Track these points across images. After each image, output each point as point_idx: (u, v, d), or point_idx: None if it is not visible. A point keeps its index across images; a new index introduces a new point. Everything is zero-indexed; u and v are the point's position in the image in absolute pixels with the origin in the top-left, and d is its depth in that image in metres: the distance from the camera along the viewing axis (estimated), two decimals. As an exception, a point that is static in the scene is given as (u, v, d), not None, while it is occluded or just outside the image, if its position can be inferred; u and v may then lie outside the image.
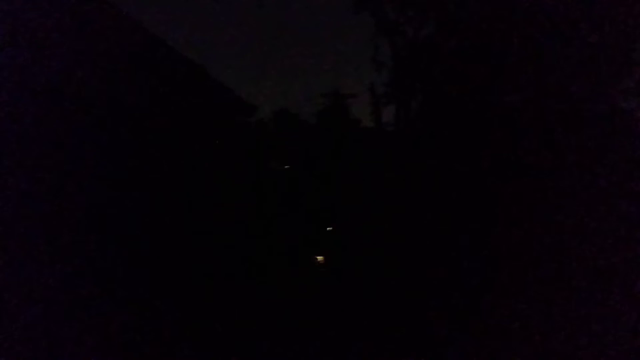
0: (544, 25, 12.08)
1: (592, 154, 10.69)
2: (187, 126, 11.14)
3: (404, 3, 15.40)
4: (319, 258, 14.54)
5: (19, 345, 6.79)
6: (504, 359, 7.20)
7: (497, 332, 7.67)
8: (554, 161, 10.77)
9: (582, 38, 12.00)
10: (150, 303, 8.75)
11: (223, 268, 11.18)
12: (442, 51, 14.49)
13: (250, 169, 14.39)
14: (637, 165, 10.43)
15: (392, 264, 11.81)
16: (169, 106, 10.54)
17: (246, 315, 9.49)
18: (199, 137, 11.56)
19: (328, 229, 15.68)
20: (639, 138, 11.18)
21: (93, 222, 8.46)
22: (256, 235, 12.97)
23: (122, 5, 9.98)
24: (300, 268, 13.51)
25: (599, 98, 12.03)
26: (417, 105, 15.86)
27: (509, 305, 8.39)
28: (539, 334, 7.54)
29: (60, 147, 8.04)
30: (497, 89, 12.86)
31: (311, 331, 9.06)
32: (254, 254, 12.36)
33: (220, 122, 12.56)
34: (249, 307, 9.94)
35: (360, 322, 9.17)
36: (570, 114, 11.44)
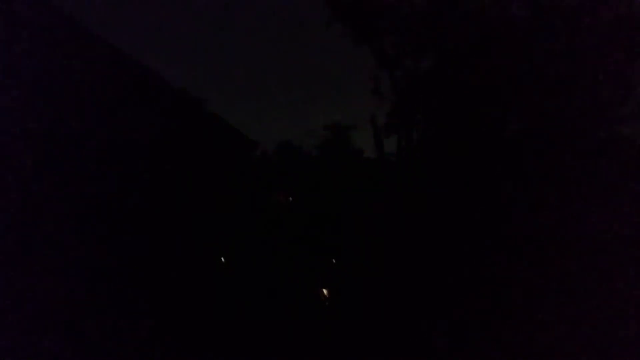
0: (542, 54, 12.23)
1: (592, 179, 10.71)
2: (189, 162, 11.25)
3: (403, 36, 15.62)
4: (324, 291, 14.46)
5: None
6: None
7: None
8: (555, 189, 10.79)
9: (580, 65, 12.13)
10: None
11: (227, 301, 11.15)
12: (442, 82, 14.63)
13: (254, 202, 14.46)
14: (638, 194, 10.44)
15: (396, 295, 11.75)
16: (170, 143, 10.67)
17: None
18: (202, 173, 11.66)
19: (332, 261, 15.62)
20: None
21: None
22: (260, 268, 12.95)
23: (121, 43, 10.18)
24: (304, 301, 13.43)
25: (598, 124, 12.10)
26: (418, 135, 15.95)
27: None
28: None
29: (61, 185, 8.10)
30: (498, 118, 12.96)
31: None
32: (257, 286, 12.33)
33: (223, 158, 12.68)
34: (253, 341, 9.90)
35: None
36: (570, 142, 11.50)
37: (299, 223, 16.97)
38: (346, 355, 9.38)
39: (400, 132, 16.61)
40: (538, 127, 12.20)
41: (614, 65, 12.19)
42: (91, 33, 9.13)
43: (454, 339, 8.33)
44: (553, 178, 11.28)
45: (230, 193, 12.87)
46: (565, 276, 9.36)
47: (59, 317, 7.52)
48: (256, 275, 12.85)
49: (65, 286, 7.81)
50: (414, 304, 11.03)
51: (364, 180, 16.67)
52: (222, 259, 12.57)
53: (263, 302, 11.99)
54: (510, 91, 12.51)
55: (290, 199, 18.81)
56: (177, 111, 11.13)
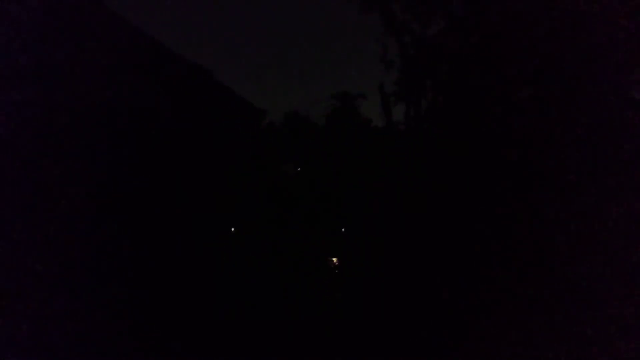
0: (553, 19, 11.96)
1: (603, 146, 10.57)
2: (197, 132, 11.22)
3: (412, 1, 15.35)
4: (333, 260, 14.55)
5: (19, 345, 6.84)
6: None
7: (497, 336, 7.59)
8: (564, 155, 10.66)
9: (591, 30, 11.86)
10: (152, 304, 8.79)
11: (237, 271, 11.24)
12: (451, 48, 14.41)
13: (262, 172, 14.46)
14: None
15: (404, 264, 11.79)
16: (176, 114, 10.62)
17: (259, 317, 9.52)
18: (210, 142, 11.63)
19: (341, 230, 15.68)
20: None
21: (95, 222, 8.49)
22: (270, 238, 13.03)
23: (125, 11, 10.05)
24: (314, 270, 13.53)
25: (609, 89, 11.88)
26: (427, 103, 15.79)
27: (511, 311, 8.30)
28: (539, 338, 7.46)
29: (60, 153, 8.08)
30: (507, 84, 12.77)
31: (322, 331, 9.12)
32: (268, 257, 12.41)
33: (230, 128, 12.63)
34: (262, 310, 9.99)
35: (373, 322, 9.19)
36: (580, 106, 11.32)
37: (307, 193, 16.99)
38: (358, 326, 9.44)
39: (408, 100, 16.47)
40: (549, 92, 12.02)
41: (628, 28, 11.91)
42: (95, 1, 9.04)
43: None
44: (564, 143, 11.15)
45: (238, 163, 12.86)
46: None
47: (54, 305, 7.53)
48: (266, 244, 12.92)
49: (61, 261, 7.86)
50: (422, 280, 11.05)
51: (372, 149, 16.61)
52: (232, 228, 12.64)
53: (273, 271, 12.09)
54: (520, 55, 12.29)
55: (298, 168, 18.81)
56: (183, 81, 11.05)
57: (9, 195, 7.41)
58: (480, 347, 7.23)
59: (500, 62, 12.27)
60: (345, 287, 12.52)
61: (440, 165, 13.21)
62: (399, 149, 15.67)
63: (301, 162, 18.64)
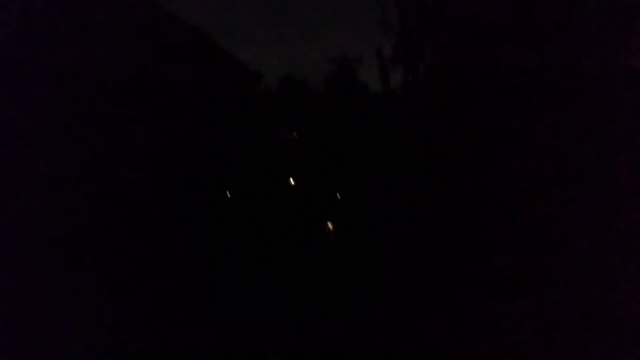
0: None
1: (601, 113, 10.48)
2: (190, 95, 11.04)
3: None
4: (329, 225, 14.55)
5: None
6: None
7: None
8: (563, 124, 10.58)
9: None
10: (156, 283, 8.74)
11: (233, 237, 11.23)
12: (451, 12, 14.13)
13: (257, 137, 14.32)
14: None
15: (400, 231, 11.79)
16: (172, 75, 10.43)
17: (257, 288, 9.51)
18: (204, 106, 11.47)
19: (337, 195, 15.64)
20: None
21: (96, 199, 8.44)
22: (265, 203, 12.98)
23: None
24: (309, 235, 13.53)
25: (607, 56, 11.71)
26: (425, 68, 15.60)
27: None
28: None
29: (61, 120, 7.99)
30: (507, 49, 12.56)
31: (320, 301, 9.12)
32: (263, 222, 12.38)
33: (225, 91, 12.44)
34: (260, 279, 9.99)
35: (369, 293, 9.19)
36: (580, 72, 11.19)
37: (304, 158, 16.89)
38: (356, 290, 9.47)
39: (406, 65, 16.27)
40: (548, 58, 11.85)
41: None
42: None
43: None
44: (562, 110, 11.05)
45: (234, 128, 12.71)
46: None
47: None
48: (261, 209, 12.88)
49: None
50: (418, 249, 11.04)
51: (369, 114, 16.46)
52: (227, 193, 12.58)
53: (268, 233, 12.08)
54: (521, 21, 12.07)
55: (295, 134, 18.67)
56: (175, 42, 10.81)
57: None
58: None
59: (501, 25, 12.05)
60: (341, 252, 12.54)
61: (437, 131, 13.11)
62: (397, 114, 15.54)
63: (297, 127, 18.48)
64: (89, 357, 6.64)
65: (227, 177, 12.36)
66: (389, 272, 9.84)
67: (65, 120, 8.19)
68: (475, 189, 11.20)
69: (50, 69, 7.89)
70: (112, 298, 7.83)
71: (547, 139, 10.69)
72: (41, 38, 7.89)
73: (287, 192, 15.20)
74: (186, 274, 9.00)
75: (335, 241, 13.76)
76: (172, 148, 10.41)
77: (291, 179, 16.05)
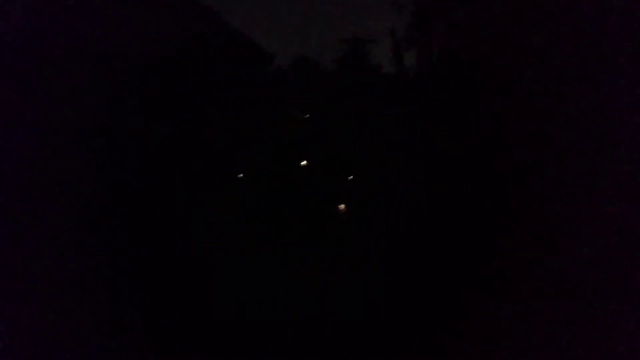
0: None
1: (611, 101, 10.30)
2: (203, 76, 11.02)
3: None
4: (341, 206, 14.56)
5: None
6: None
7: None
8: (577, 107, 10.42)
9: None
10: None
11: (243, 218, 11.27)
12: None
13: (269, 118, 14.29)
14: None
15: (411, 213, 11.77)
16: (184, 55, 10.40)
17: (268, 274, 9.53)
18: (216, 86, 11.45)
19: (349, 177, 15.62)
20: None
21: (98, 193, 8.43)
22: (275, 185, 13.00)
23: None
24: (322, 217, 13.56)
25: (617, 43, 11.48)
26: (438, 48, 15.40)
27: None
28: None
29: (65, 95, 7.96)
30: (523, 29, 12.36)
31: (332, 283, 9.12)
32: (274, 204, 12.41)
33: (238, 72, 12.40)
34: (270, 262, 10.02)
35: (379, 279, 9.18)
36: (596, 54, 10.98)
37: (315, 139, 16.85)
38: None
39: (420, 46, 16.08)
40: (562, 39, 11.65)
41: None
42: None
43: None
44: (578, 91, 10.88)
45: (246, 109, 12.69)
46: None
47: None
48: (273, 190, 12.91)
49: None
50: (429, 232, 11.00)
51: (382, 95, 16.33)
52: (241, 174, 12.60)
53: (280, 215, 12.12)
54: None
55: (307, 115, 18.60)
56: (188, 21, 10.76)
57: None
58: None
59: (517, 4, 11.85)
60: (352, 234, 12.56)
61: (451, 112, 13.00)
62: (411, 94, 15.40)
63: (310, 108, 18.40)
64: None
65: (239, 159, 12.38)
66: (395, 263, 9.81)
67: (71, 102, 8.19)
68: (484, 169, 11.12)
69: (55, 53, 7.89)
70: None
71: (558, 127, 10.56)
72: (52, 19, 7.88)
73: (298, 174, 15.20)
74: (192, 267, 9.02)
75: (346, 223, 13.78)
76: (183, 130, 10.43)
77: (303, 160, 16.04)
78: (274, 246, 10.72)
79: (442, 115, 13.15)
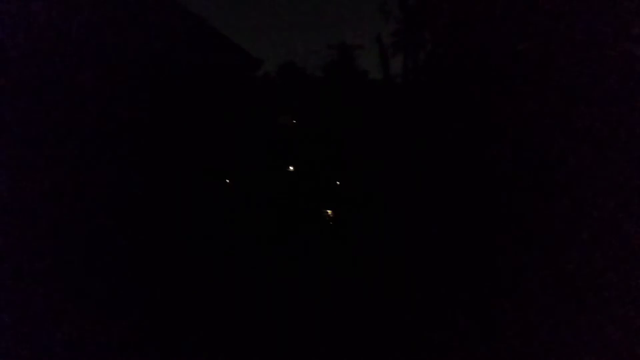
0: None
1: (603, 101, 10.44)
2: (190, 81, 11.02)
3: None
4: (328, 212, 14.61)
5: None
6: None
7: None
8: (563, 111, 10.55)
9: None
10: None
11: (232, 223, 11.26)
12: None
13: (257, 124, 14.31)
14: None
15: (399, 218, 11.83)
16: (173, 61, 10.40)
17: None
18: (204, 92, 11.45)
19: (336, 183, 15.68)
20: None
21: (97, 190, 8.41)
22: (263, 190, 13.00)
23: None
24: (308, 222, 13.59)
25: (609, 44, 11.64)
26: (425, 55, 15.53)
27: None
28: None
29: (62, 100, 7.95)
30: (507, 36, 12.51)
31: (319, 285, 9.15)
32: (262, 209, 12.42)
33: (226, 77, 12.41)
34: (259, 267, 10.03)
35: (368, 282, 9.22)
36: (579, 61, 11.12)
37: (303, 145, 16.90)
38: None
39: (407, 52, 16.20)
40: (546, 46, 11.79)
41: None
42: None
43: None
44: (562, 99, 11.00)
45: (234, 114, 12.70)
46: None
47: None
48: (260, 196, 12.91)
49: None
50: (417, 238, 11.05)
51: (369, 102, 16.43)
52: (227, 180, 12.60)
53: (267, 220, 12.13)
54: (519, 8, 12.00)
55: (294, 121, 18.64)
56: (175, 27, 10.77)
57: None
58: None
59: (500, 13, 11.99)
60: (340, 238, 12.61)
61: (437, 119, 13.10)
62: (398, 100, 15.51)
63: (297, 114, 18.46)
64: (89, 357, 6.66)
65: (227, 164, 12.38)
66: (386, 265, 9.86)
67: (65, 108, 8.18)
68: (474, 176, 11.21)
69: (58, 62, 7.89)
70: (112, 296, 7.82)
71: (547, 132, 10.67)
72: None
73: (286, 179, 15.24)
74: (187, 268, 9.01)
75: (333, 228, 13.82)
76: (171, 135, 10.41)
77: (290, 166, 16.08)
78: (262, 249, 10.73)
79: (428, 121, 13.26)
